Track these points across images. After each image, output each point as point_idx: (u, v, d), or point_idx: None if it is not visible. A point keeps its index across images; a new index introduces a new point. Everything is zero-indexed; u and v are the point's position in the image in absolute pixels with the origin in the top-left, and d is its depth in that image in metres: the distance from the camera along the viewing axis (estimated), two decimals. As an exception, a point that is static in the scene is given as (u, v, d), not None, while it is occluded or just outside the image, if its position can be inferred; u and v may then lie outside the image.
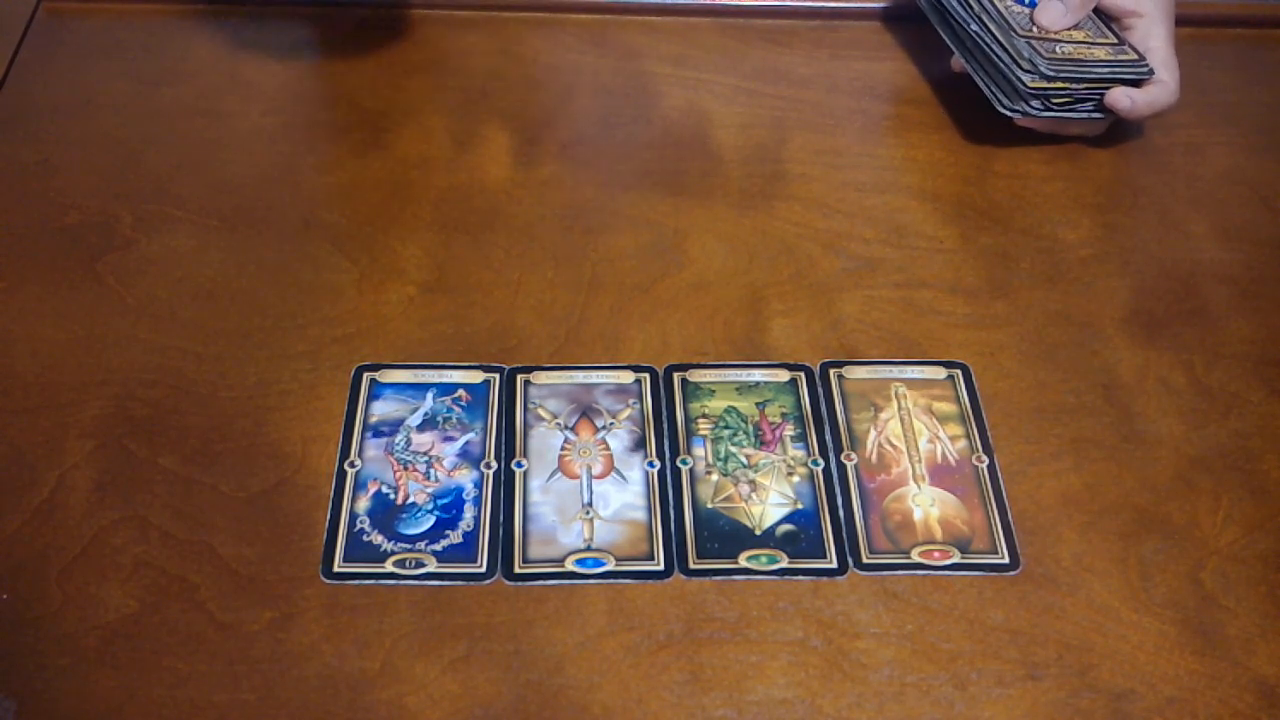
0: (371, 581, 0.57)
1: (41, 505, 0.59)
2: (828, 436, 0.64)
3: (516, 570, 0.58)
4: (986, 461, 0.63)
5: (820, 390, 0.66)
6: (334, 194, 0.75)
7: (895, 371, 0.67)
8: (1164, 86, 0.77)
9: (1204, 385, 0.67)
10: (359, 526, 0.59)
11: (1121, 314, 0.71)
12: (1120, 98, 0.76)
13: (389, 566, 0.58)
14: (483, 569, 0.58)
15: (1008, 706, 0.54)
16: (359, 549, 0.58)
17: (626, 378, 0.66)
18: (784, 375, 0.66)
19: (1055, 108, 0.77)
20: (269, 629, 0.55)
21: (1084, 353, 0.68)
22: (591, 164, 0.78)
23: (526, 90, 0.83)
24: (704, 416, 0.64)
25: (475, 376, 0.66)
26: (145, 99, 0.81)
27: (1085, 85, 0.76)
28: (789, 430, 0.64)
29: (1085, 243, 0.75)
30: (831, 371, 0.66)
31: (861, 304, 0.70)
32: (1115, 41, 0.78)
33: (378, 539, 0.59)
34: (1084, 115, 0.78)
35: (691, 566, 0.58)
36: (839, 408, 0.65)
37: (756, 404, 0.65)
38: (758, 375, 0.66)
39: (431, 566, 0.58)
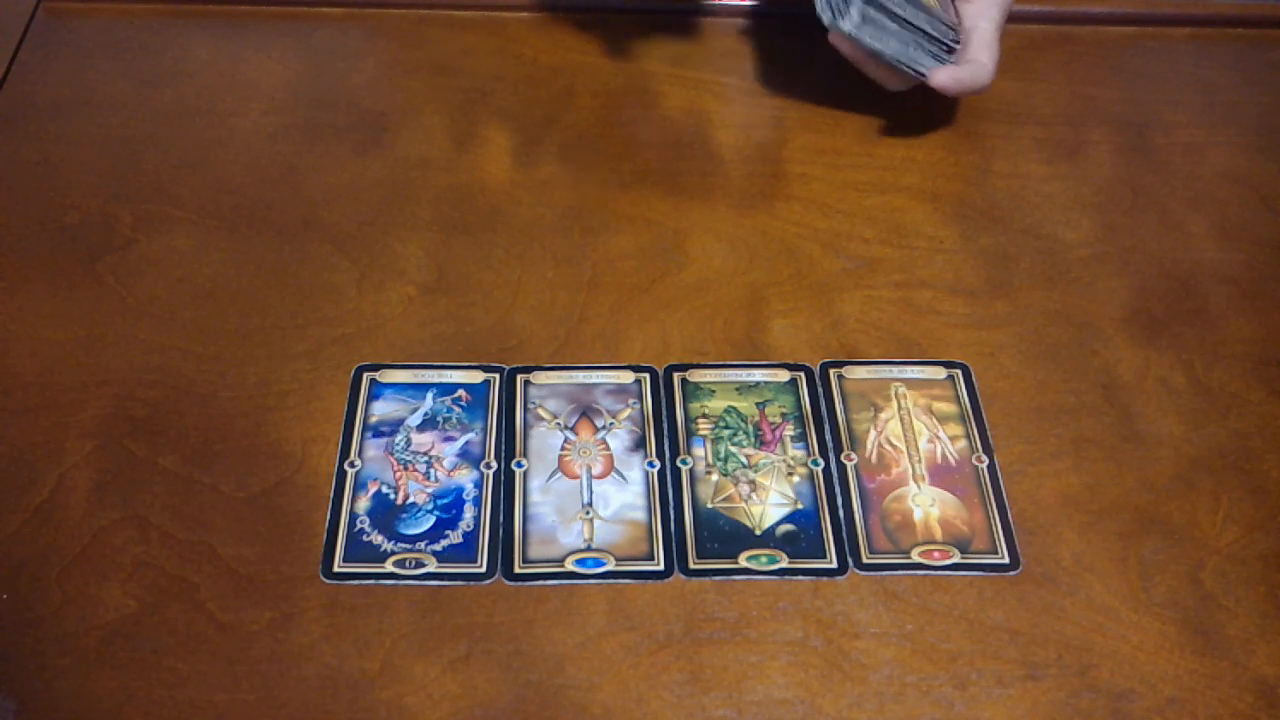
0: (371, 581, 0.57)
1: (41, 505, 0.59)
2: (828, 436, 0.64)
3: (516, 570, 0.58)
4: (986, 461, 0.63)
5: (820, 390, 0.66)
6: (334, 194, 0.75)
7: (895, 371, 0.67)
8: (981, 67, 0.77)
9: (1204, 385, 0.67)
10: (359, 526, 0.59)
11: (1121, 314, 0.71)
12: (946, 78, 0.76)
13: (389, 566, 0.58)
14: (483, 569, 0.58)
15: (1008, 706, 0.54)
16: (359, 549, 0.58)
17: (626, 378, 0.66)
18: (784, 375, 0.66)
19: (870, 37, 0.76)
20: (269, 629, 0.55)
21: (1084, 353, 0.68)
22: (591, 164, 0.78)
23: (526, 90, 0.83)
24: (704, 416, 0.64)
25: (475, 376, 0.66)
26: (145, 99, 0.81)
27: (899, 22, 0.76)
28: (789, 430, 0.64)
29: (1085, 243, 0.75)
30: (831, 371, 0.66)
31: (861, 304, 0.70)
32: (944, 7, 0.78)
33: (378, 539, 0.59)
34: (896, 64, 0.77)
35: (691, 566, 0.58)
36: (839, 408, 0.65)
37: (756, 404, 0.65)
38: (758, 375, 0.66)
39: (431, 566, 0.58)
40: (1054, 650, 0.56)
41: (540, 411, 0.64)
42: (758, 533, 0.60)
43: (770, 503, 0.61)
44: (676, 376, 0.66)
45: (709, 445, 0.63)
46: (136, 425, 0.63)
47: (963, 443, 0.64)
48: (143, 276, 0.70)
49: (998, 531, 0.60)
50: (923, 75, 0.77)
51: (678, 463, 0.62)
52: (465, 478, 0.61)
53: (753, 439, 0.63)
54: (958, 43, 0.78)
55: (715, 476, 0.62)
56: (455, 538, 0.59)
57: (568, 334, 0.68)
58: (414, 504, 0.60)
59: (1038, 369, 0.67)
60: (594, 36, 0.87)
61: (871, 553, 0.59)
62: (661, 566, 0.58)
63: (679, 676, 0.55)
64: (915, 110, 0.82)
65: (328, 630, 0.55)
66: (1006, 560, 0.59)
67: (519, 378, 0.66)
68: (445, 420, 0.64)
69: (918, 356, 0.68)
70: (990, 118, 0.83)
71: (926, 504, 0.61)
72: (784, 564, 0.58)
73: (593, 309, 0.69)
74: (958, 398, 0.66)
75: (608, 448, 0.63)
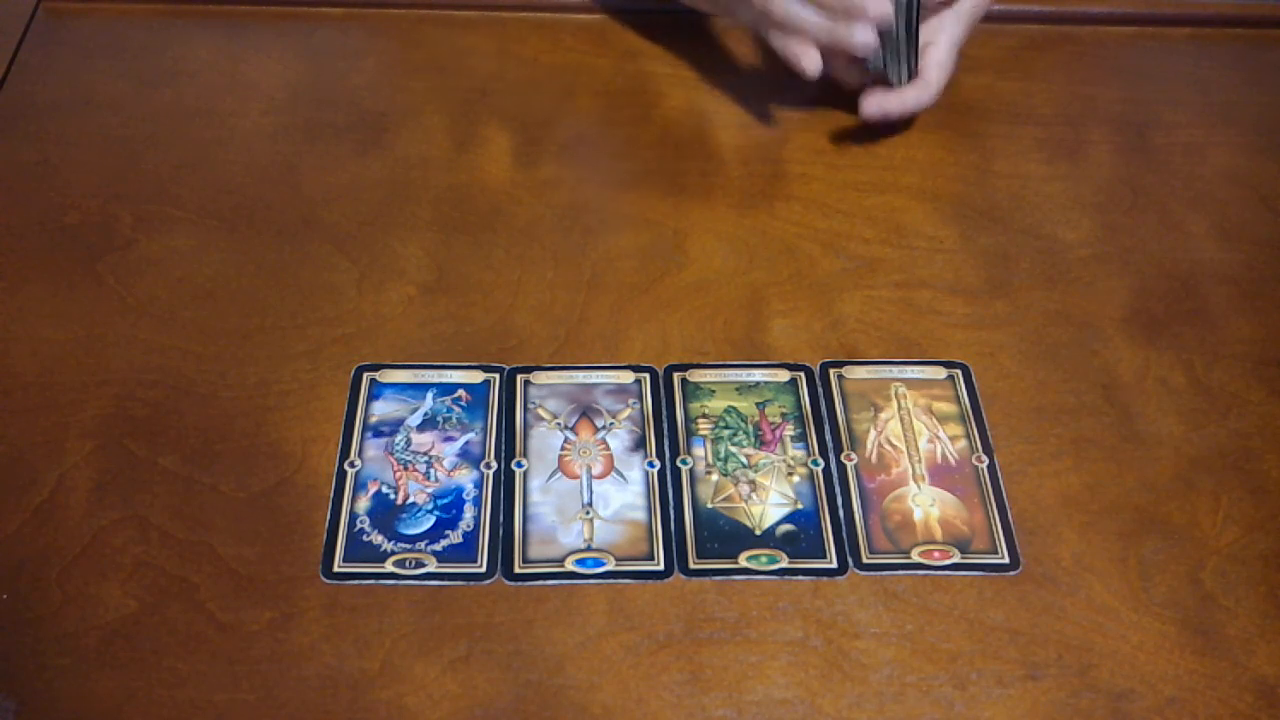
0: (371, 581, 0.57)
1: (41, 505, 0.59)
2: (828, 436, 0.64)
3: (516, 570, 0.58)
4: (986, 461, 0.63)
5: (820, 390, 0.66)
6: (334, 194, 0.75)
7: (895, 371, 0.67)
8: (924, 88, 0.77)
9: (1204, 385, 0.67)
10: (359, 526, 0.59)
11: (1121, 314, 0.71)
12: (872, 107, 0.77)
13: (389, 566, 0.58)
14: (483, 569, 0.58)
15: (1008, 706, 0.54)
16: (359, 549, 0.58)
17: (626, 378, 0.66)
18: (784, 375, 0.66)
19: None
20: (269, 629, 0.55)
21: (1084, 353, 0.68)
22: (591, 164, 0.78)
23: (526, 90, 0.83)
24: (704, 416, 0.64)
25: (475, 376, 0.66)
26: (145, 99, 0.81)
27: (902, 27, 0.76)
28: (789, 430, 0.64)
29: (1085, 243, 0.75)
30: (831, 371, 0.66)
31: (861, 304, 0.70)
32: (909, 37, 0.77)
33: (378, 539, 0.59)
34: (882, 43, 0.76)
35: (691, 566, 0.58)
36: (839, 408, 0.65)
37: (756, 404, 0.65)
38: (758, 375, 0.66)
39: (431, 566, 0.58)
40: (1054, 650, 0.56)
41: (540, 411, 0.64)
42: (758, 533, 0.60)
43: (770, 503, 0.61)
44: (676, 376, 0.66)
45: (709, 445, 0.63)
46: (136, 425, 0.63)
47: (963, 443, 0.64)
48: (143, 276, 0.70)
49: (998, 531, 0.60)
50: (887, 74, 0.77)
51: (678, 463, 0.62)
52: (465, 478, 0.61)
53: (753, 439, 0.63)
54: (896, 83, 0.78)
55: (715, 476, 0.62)
56: (455, 538, 0.59)
57: (568, 334, 0.68)
58: (414, 504, 0.60)
59: (1038, 369, 0.67)
60: (594, 36, 0.87)
61: (871, 553, 0.59)
62: (661, 566, 0.58)
63: (679, 676, 0.55)
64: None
65: (328, 630, 0.55)
66: (1006, 560, 0.59)
67: (519, 378, 0.66)
68: (445, 420, 0.64)
69: (918, 356, 0.68)
70: (990, 118, 0.83)
71: (926, 504, 0.61)
72: (784, 564, 0.58)
73: (593, 309, 0.69)
74: (958, 398, 0.66)
75: (608, 448, 0.63)
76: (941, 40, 0.78)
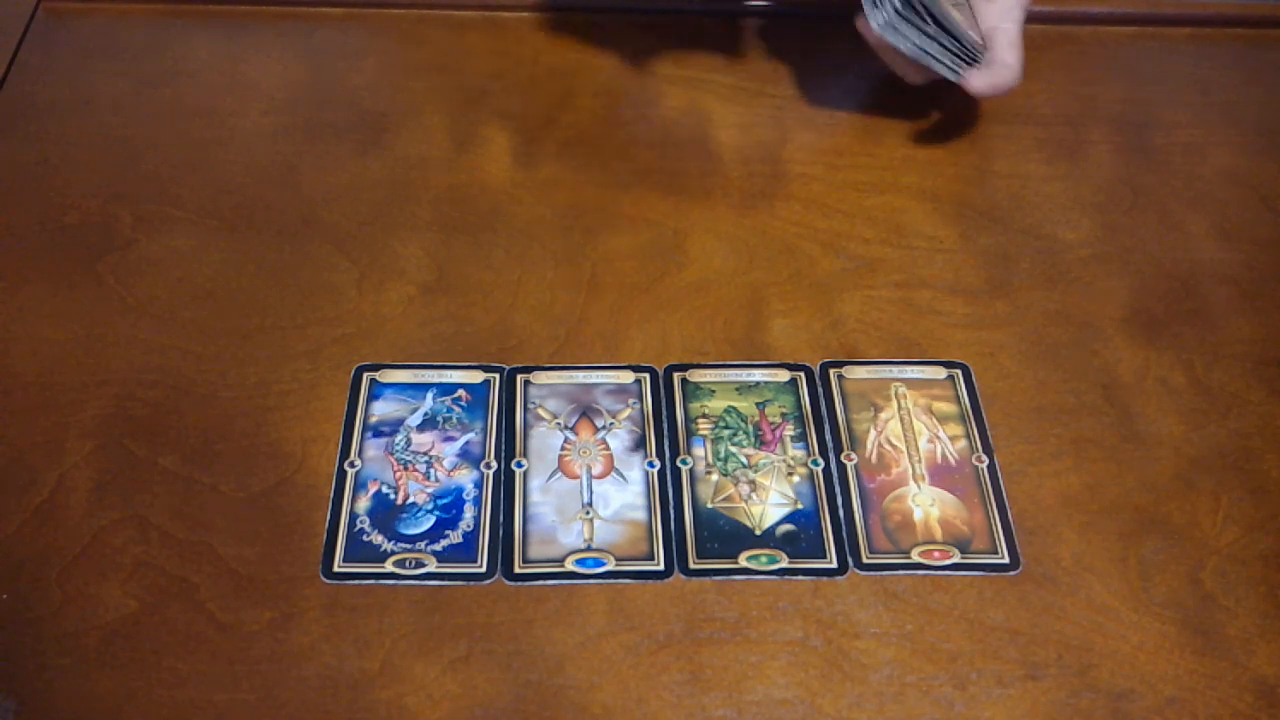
0: (371, 581, 0.57)
1: (41, 505, 0.59)
2: (828, 436, 0.64)
3: (516, 570, 0.58)
4: (986, 461, 0.63)
5: (820, 390, 0.66)
6: (334, 194, 0.75)
7: (895, 371, 0.67)
8: (1008, 69, 0.77)
9: (1204, 385, 0.67)
10: (359, 526, 0.59)
11: (1121, 314, 0.71)
12: (981, 84, 0.77)
13: (389, 566, 0.58)
14: (483, 569, 0.58)
15: (1008, 706, 0.54)
16: (359, 549, 0.58)
17: (626, 378, 0.66)
18: (784, 375, 0.66)
19: (894, 37, 0.76)
20: (269, 629, 0.55)
21: (1084, 353, 0.68)
22: (591, 164, 0.78)
23: (526, 90, 0.83)
24: (704, 416, 0.64)
25: (475, 376, 0.66)
26: (145, 99, 0.81)
27: (926, 34, 0.76)
28: (789, 430, 0.64)
29: (1085, 243, 0.75)
30: (831, 371, 0.66)
31: (861, 304, 0.70)
32: (969, 20, 0.78)
33: (378, 539, 0.59)
34: (917, 60, 0.77)
35: (691, 566, 0.58)
36: (839, 408, 0.65)
37: (756, 404, 0.65)
38: (758, 375, 0.66)
39: (431, 566, 0.58)
40: (1054, 650, 0.56)
41: (540, 411, 0.64)
42: (758, 533, 0.60)
43: (770, 503, 0.61)
44: (676, 376, 0.66)
45: (709, 445, 0.63)
46: (136, 425, 0.63)
47: (963, 443, 0.64)
48: (143, 276, 0.70)
49: (998, 531, 0.60)
50: (945, 74, 0.77)
51: (678, 463, 0.62)
52: (465, 478, 0.61)
53: (753, 439, 0.63)
54: (978, 60, 0.78)
55: (715, 476, 0.62)
56: (455, 538, 0.59)
57: (568, 334, 0.68)
58: (414, 504, 0.60)
59: (1038, 369, 0.67)
60: (594, 36, 0.87)
61: (871, 553, 0.59)
62: (661, 566, 0.58)
63: (679, 676, 0.55)
64: (915, 110, 0.82)
65: (328, 630, 0.55)
66: (1006, 560, 0.59)
67: (519, 378, 0.66)
68: (445, 420, 0.64)
69: (918, 356, 0.68)
70: (990, 118, 0.83)
71: (926, 504, 0.61)
72: (784, 564, 0.58)
73: (593, 309, 0.69)
74: (958, 398, 0.66)
75: (608, 448, 0.63)
76: (1008, 25, 0.78)
